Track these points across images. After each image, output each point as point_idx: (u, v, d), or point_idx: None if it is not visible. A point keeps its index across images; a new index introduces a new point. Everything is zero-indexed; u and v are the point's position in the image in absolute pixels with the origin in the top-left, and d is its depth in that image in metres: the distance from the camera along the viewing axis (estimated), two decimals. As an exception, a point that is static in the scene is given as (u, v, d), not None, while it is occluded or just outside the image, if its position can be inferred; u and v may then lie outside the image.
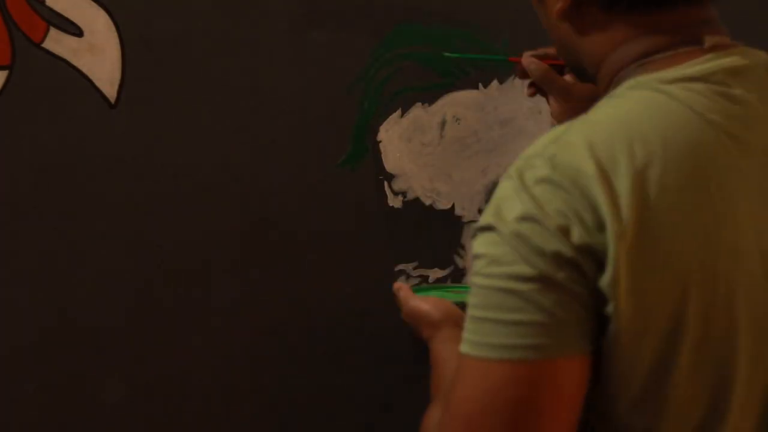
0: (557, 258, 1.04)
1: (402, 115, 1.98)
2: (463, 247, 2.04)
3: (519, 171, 1.08)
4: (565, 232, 1.04)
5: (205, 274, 1.93)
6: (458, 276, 2.04)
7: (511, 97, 2.03)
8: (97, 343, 1.90)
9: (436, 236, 2.02)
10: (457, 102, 2.01)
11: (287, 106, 1.92)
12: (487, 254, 1.07)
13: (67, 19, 1.82)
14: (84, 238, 1.87)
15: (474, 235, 1.11)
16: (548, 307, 1.04)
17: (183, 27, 1.86)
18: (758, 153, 1.11)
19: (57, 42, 1.81)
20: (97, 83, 1.84)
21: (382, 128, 1.98)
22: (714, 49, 1.15)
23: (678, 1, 1.16)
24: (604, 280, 1.04)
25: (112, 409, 1.92)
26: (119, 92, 1.85)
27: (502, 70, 2.02)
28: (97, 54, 1.83)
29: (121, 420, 1.93)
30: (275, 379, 1.98)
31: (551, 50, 1.66)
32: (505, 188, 1.09)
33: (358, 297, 1.98)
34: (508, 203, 1.07)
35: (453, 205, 2.02)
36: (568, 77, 1.63)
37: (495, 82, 2.03)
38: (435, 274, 2.03)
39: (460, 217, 2.02)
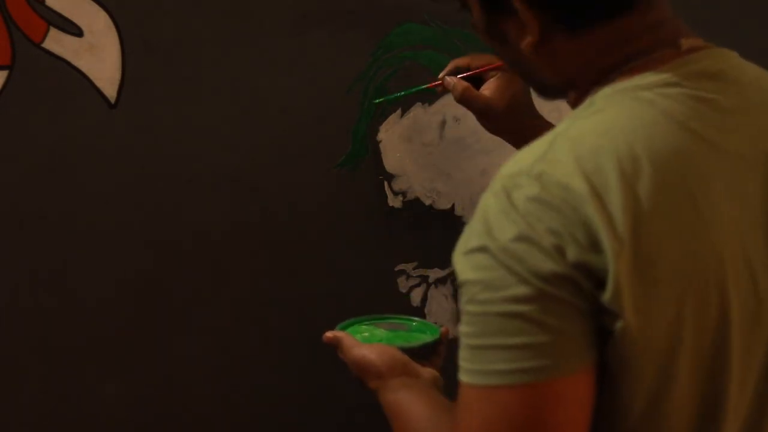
0: (554, 277, 1.03)
1: (402, 115, 1.98)
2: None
3: (505, 190, 1.06)
4: (560, 251, 1.03)
5: (205, 274, 1.93)
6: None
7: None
8: (97, 343, 1.91)
9: (436, 236, 2.01)
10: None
11: (287, 106, 1.92)
12: (480, 280, 1.05)
13: (67, 19, 1.82)
14: (84, 237, 1.88)
15: (458, 259, 1.08)
16: (552, 325, 1.03)
17: (183, 27, 1.86)
18: (733, 157, 1.11)
19: (57, 42, 1.82)
20: (97, 83, 1.85)
21: (382, 128, 1.98)
22: (690, 51, 1.14)
23: (631, 4, 1.14)
24: (606, 297, 1.03)
25: (111, 408, 1.92)
26: (119, 92, 1.85)
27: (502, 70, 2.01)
28: (97, 54, 1.83)
29: (120, 420, 1.93)
30: (274, 379, 1.99)
31: (461, 61, 1.76)
32: (492, 208, 1.07)
33: (358, 297, 1.98)
34: (498, 224, 1.05)
35: (453, 205, 2.02)
36: (487, 92, 1.70)
37: (495, 83, 2.02)
38: (435, 274, 2.03)
39: (460, 217, 2.02)
